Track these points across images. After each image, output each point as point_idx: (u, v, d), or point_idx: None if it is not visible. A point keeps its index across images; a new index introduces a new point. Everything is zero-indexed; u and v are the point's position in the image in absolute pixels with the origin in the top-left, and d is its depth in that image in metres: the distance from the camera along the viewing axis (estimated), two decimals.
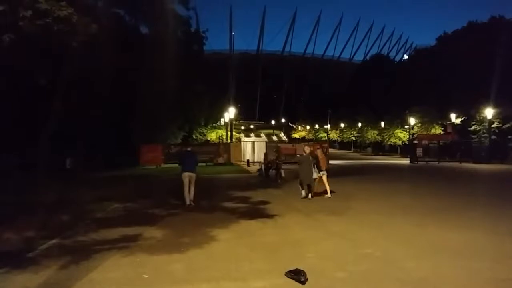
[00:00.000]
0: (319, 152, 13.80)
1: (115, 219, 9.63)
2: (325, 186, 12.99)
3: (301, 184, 13.02)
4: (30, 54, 11.00)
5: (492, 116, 34.66)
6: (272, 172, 20.17)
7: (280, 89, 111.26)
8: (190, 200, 11.56)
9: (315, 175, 12.86)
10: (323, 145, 37.13)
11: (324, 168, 13.16)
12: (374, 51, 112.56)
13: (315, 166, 12.92)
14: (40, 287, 5.05)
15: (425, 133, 44.16)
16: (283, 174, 19.13)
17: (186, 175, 11.54)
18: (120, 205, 11.75)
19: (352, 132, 64.35)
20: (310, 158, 12.96)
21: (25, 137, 20.98)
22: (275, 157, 21.04)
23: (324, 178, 13.08)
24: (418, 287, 5.04)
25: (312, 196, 12.58)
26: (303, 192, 12.78)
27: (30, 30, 8.64)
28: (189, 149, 14.66)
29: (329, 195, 12.84)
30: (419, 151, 37.18)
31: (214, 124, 45.05)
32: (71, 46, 10.78)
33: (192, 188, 11.65)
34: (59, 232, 7.95)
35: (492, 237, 7.52)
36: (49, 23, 8.75)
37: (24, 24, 8.45)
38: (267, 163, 20.98)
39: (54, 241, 7.39)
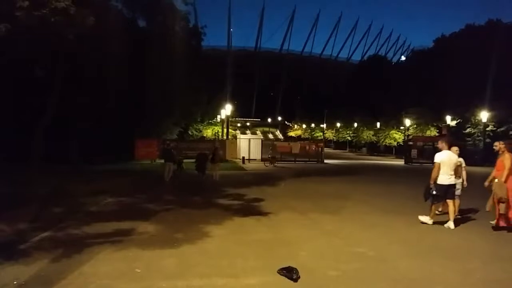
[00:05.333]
0: (216, 150, 18.15)
1: (109, 213, 9.59)
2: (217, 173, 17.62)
3: (197, 171, 17.50)
4: (27, 44, 10.92)
5: (487, 119, 34.80)
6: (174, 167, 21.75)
7: (277, 87, 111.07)
8: (166, 180, 16.14)
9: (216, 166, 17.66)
10: (319, 144, 37.24)
11: (216, 161, 17.66)
12: (372, 51, 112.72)
13: (212, 159, 17.56)
14: (32, 279, 5.01)
15: (420, 134, 44.34)
16: (184, 168, 20.55)
17: (166, 165, 16.72)
18: (114, 199, 11.71)
19: (347, 132, 64.44)
20: (207, 154, 18.00)
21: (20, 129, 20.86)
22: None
23: (215, 167, 17.63)
24: (410, 286, 5.06)
25: (204, 179, 17.09)
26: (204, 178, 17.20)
27: (27, 21, 8.57)
28: (169, 147, 18.66)
29: (217, 178, 17.26)
30: (414, 153, 37.31)
31: (210, 121, 44.88)
32: (67, 38, 10.71)
33: (169, 174, 16.47)
34: (52, 225, 7.91)
35: (485, 238, 7.57)
36: (46, 14, 8.69)
37: (21, 15, 8.38)
38: None
39: (46, 233, 7.34)
